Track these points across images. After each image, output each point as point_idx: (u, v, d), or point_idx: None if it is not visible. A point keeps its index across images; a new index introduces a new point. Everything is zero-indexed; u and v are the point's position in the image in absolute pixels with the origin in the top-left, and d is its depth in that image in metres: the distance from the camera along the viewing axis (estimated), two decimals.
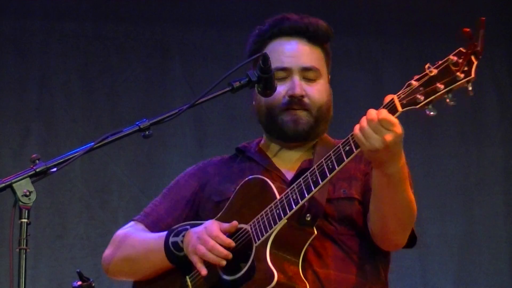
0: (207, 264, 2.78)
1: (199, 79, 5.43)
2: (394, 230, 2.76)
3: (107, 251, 3.03)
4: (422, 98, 2.54)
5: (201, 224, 2.85)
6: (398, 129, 2.55)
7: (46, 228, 5.19)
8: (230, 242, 2.76)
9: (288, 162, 3.04)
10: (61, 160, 2.56)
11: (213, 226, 2.79)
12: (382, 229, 2.76)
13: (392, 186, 2.65)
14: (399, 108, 2.56)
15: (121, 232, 3.05)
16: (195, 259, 2.78)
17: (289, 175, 2.97)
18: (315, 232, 2.77)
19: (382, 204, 2.71)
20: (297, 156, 3.05)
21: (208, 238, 2.75)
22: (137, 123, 2.66)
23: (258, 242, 2.75)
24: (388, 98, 2.61)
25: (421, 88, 2.55)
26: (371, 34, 5.76)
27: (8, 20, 5.38)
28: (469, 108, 5.78)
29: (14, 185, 2.47)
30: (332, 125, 5.93)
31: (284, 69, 2.96)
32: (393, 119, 2.55)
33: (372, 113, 2.57)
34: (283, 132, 2.97)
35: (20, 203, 2.45)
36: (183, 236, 2.83)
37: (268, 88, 2.87)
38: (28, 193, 2.46)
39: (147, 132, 2.65)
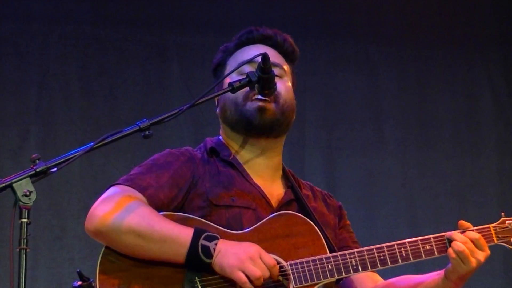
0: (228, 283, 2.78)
1: (197, 81, 5.44)
2: None
3: (113, 211, 2.79)
4: None
5: (219, 230, 2.84)
6: (488, 250, 2.91)
7: (45, 230, 5.19)
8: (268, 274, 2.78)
9: (261, 177, 3.06)
10: (61, 160, 2.55)
11: (266, 254, 2.78)
12: None
13: None
14: (495, 240, 2.97)
15: (130, 198, 2.84)
16: (240, 277, 2.73)
17: (270, 196, 3.01)
18: None
19: None
20: (268, 170, 3.08)
21: (264, 266, 2.74)
22: (137, 123, 2.66)
23: (298, 286, 2.80)
24: (464, 227, 2.98)
25: None
26: (368, 37, 5.78)
27: (7, 22, 5.39)
28: (464, 111, 5.80)
29: (14, 185, 2.47)
30: (330, 127, 5.93)
31: (252, 61, 2.95)
32: (484, 241, 2.91)
33: (467, 236, 2.91)
34: (251, 122, 2.99)
35: (20, 203, 2.45)
36: (216, 244, 2.77)
37: (267, 88, 2.88)
38: (28, 193, 2.46)
39: (147, 132, 2.65)
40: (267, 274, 2.74)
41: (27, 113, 5.31)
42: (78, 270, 2.85)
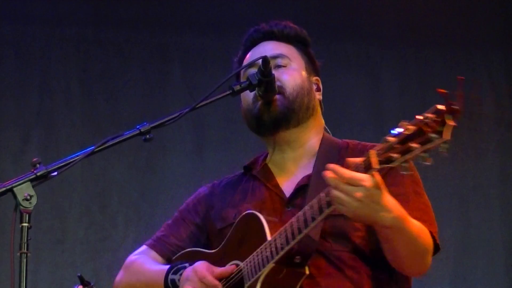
0: None
1: (198, 83, 5.44)
2: (410, 265, 2.77)
3: (118, 276, 3.08)
4: (397, 156, 2.38)
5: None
6: (368, 182, 2.47)
7: (46, 233, 5.19)
8: (217, 285, 2.76)
9: (289, 173, 2.99)
10: (62, 164, 2.55)
11: (201, 267, 2.81)
12: (399, 267, 2.77)
13: (396, 234, 2.62)
14: (375, 166, 2.44)
15: (131, 258, 3.08)
16: None
17: (288, 192, 2.93)
18: (307, 272, 2.73)
19: (392, 250, 2.71)
20: (294, 162, 3.00)
21: (196, 279, 2.77)
22: (138, 126, 2.66)
23: (248, 283, 2.74)
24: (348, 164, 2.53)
25: (397, 146, 2.38)
26: (370, 38, 5.77)
27: (8, 25, 5.39)
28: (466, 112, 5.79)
29: (15, 189, 2.47)
30: (331, 129, 5.95)
31: (253, 63, 2.93)
32: (357, 175, 2.46)
33: (338, 177, 2.49)
34: (260, 119, 2.93)
35: (21, 207, 2.46)
36: (181, 274, 2.85)
37: (268, 90, 2.87)
38: (29, 197, 2.46)
39: (147, 136, 2.65)
40: (197, 286, 2.76)
41: (28, 116, 5.32)
42: (79, 274, 2.87)
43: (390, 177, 2.79)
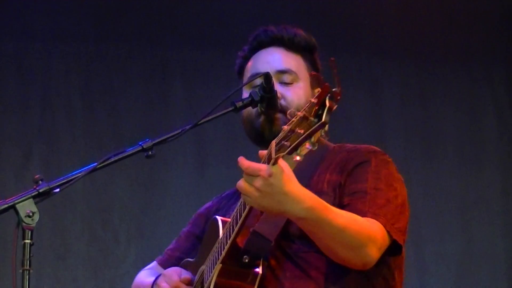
0: None
1: (200, 98, 5.44)
2: (342, 257, 2.65)
3: None
4: (288, 144, 2.33)
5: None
6: (264, 172, 2.44)
7: (48, 249, 5.18)
8: (179, 285, 2.81)
9: None
10: (64, 181, 2.56)
11: (170, 270, 2.89)
12: (333, 259, 2.67)
13: (313, 227, 2.57)
14: (273, 155, 2.39)
15: (144, 273, 3.15)
16: None
17: None
18: (260, 272, 2.67)
19: (317, 242, 2.64)
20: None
21: (165, 282, 2.83)
22: (140, 143, 2.66)
23: (205, 286, 2.74)
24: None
25: (289, 134, 2.35)
26: (372, 53, 5.78)
27: (10, 40, 5.40)
28: (468, 127, 5.79)
29: (17, 205, 2.48)
30: (332, 143, 5.92)
31: (259, 74, 2.90)
32: (254, 165, 2.45)
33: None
34: (261, 135, 2.91)
35: (23, 223, 2.46)
36: None
37: (271, 107, 2.86)
38: (31, 214, 2.47)
39: (150, 152, 2.65)
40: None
41: (30, 132, 5.32)
42: None
43: (354, 174, 2.78)
